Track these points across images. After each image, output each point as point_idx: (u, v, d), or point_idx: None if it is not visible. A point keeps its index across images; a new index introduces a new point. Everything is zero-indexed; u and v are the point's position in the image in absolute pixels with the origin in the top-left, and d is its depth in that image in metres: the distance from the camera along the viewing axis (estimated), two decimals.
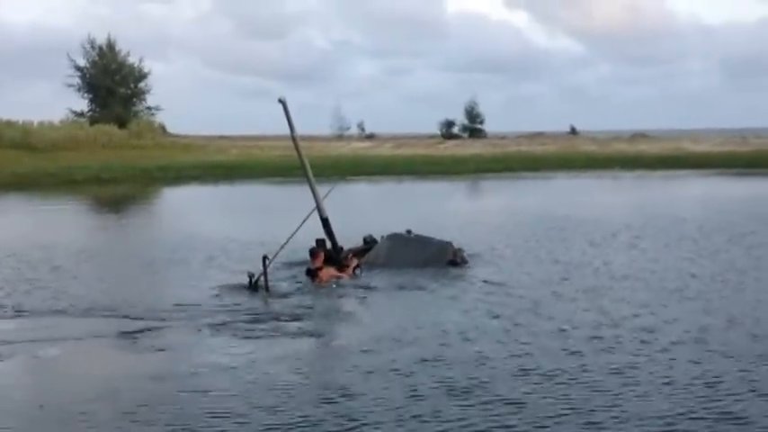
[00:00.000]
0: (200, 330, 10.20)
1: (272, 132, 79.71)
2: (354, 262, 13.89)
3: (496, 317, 10.59)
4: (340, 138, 77.04)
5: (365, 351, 9.16)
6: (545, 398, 7.44)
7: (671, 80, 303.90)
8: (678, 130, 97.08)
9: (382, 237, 15.29)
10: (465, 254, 14.93)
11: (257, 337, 9.87)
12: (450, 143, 66.71)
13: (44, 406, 7.63)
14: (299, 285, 12.98)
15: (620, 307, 11.09)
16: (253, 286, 12.50)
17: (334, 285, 12.93)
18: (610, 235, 18.43)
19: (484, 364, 8.46)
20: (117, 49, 68.26)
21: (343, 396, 7.60)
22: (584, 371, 8.21)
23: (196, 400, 7.61)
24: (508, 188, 37.79)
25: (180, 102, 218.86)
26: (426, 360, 8.67)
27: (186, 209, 30.15)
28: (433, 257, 14.48)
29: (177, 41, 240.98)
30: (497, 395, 7.52)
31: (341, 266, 13.66)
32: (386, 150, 59.26)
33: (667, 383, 7.78)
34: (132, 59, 68.82)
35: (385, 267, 14.18)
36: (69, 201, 32.55)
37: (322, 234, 14.28)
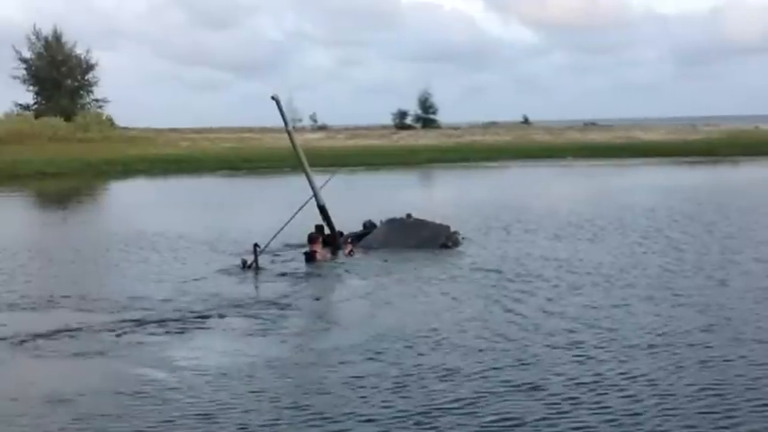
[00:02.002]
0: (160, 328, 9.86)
1: (222, 125, 79.01)
2: (349, 246, 14.81)
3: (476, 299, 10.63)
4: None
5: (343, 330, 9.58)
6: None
7: (624, 69, 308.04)
8: (630, 119, 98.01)
9: (381, 221, 16.06)
10: (460, 237, 15.72)
11: (233, 329, 9.74)
12: (404, 134, 66.42)
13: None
14: (293, 268, 13.66)
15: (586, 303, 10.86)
16: (246, 268, 13.38)
17: (328, 266, 13.84)
18: (571, 226, 18.19)
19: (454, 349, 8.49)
20: (63, 40, 66.95)
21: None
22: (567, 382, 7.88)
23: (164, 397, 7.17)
24: (463, 178, 37.64)
25: (129, 94, 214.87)
26: (391, 337, 8.99)
27: (132, 203, 29.36)
28: (426, 241, 15.23)
29: (126, 32, 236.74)
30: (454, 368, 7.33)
31: (338, 250, 14.71)
32: (338, 142, 58.75)
33: (628, 377, 7.52)
34: (79, 51, 67.55)
35: (379, 250, 14.94)
36: (11, 196, 31.59)
37: (320, 221, 15.17)
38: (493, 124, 77.52)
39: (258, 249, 13.52)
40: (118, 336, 9.50)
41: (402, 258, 14.28)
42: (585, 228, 17.71)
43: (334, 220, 15.39)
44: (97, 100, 68.82)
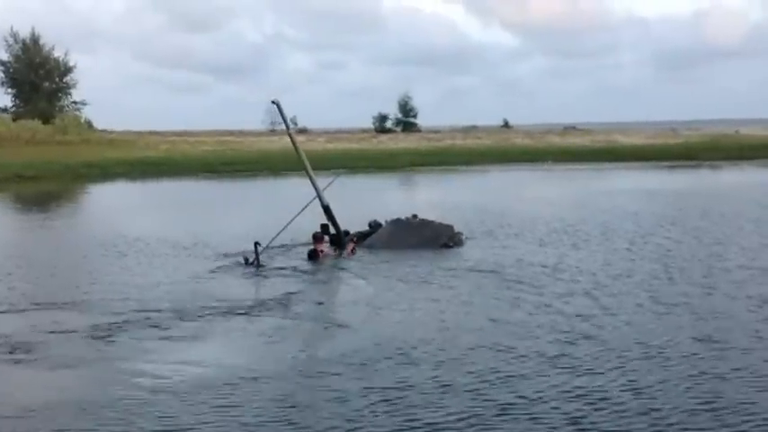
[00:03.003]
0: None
1: (202, 128, 78.62)
2: (352, 245, 15.33)
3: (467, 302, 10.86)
4: (272, 132, 76.08)
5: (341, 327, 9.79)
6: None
7: (604, 73, 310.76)
8: (610, 123, 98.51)
9: (386, 221, 16.61)
10: (463, 237, 16.34)
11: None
12: (384, 137, 66.34)
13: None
14: (293, 266, 13.98)
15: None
16: (248, 265, 13.85)
17: (327, 264, 14.31)
18: (555, 231, 18.11)
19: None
20: (42, 42, 66.54)
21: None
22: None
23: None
24: (443, 182, 37.52)
25: (108, 96, 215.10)
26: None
27: (111, 207, 29.00)
28: (428, 241, 15.78)
29: (106, 34, 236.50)
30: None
31: (341, 248, 15.25)
32: (318, 145, 58.55)
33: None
34: (58, 53, 67.30)
35: (381, 249, 15.47)
36: None
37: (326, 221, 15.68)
38: (473, 128, 77.64)
39: (259, 247, 14.00)
40: (94, 341, 9.32)
41: (401, 258, 14.65)
42: (570, 233, 17.63)
43: (306, 221, 15.51)
44: (76, 102, 68.65)
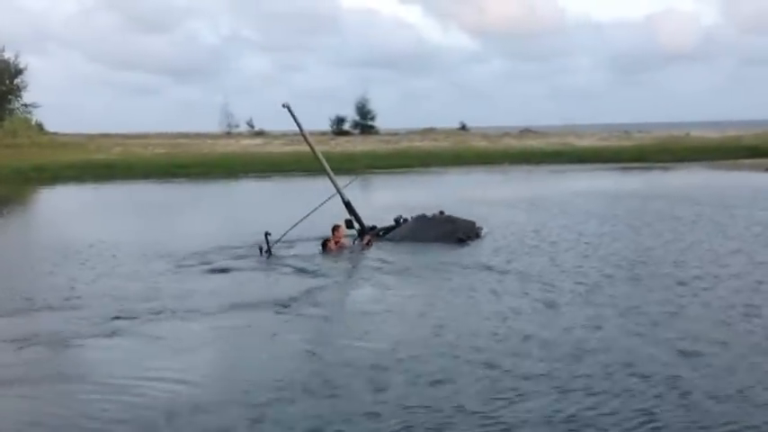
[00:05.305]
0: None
1: (157, 130, 77.72)
2: (367, 238, 16.34)
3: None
4: (228, 135, 75.44)
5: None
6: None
7: (560, 76, 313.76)
8: (565, 126, 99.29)
9: (411, 217, 17.51)
10: (482, 232, 17.28)
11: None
12: (342, 140, 66.12)
13: None
14: (303, 257, 14.88)
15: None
16: (263, 254, 14.82)
17: (334, 256, 15.28)
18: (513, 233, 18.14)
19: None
20: None
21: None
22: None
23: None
24: (401, 184, 37.49)
25: (60, 99, 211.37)
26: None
27: (62, 211, 28.49)
28: (445, 235, 16.53)
29: (58, 35, 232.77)
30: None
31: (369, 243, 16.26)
32: (276, 147, 58.19)
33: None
34: (8, 55, 65.93)
35: (399, 243, 16.46)
36: None
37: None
38: (431, 130, 77.68)
39: (269, 237, 14.95)
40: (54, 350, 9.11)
41: (413, 251, 15.61)
42: (538, 236, 17.53)
43: (258, 225, 15.80)
44: (26, 105, 67.28)
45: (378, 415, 6.82)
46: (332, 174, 17.03)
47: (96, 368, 8.47)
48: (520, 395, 7.22)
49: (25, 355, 8.98)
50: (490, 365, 8.08)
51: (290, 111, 16.48)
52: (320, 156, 17.17)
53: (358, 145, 60.33)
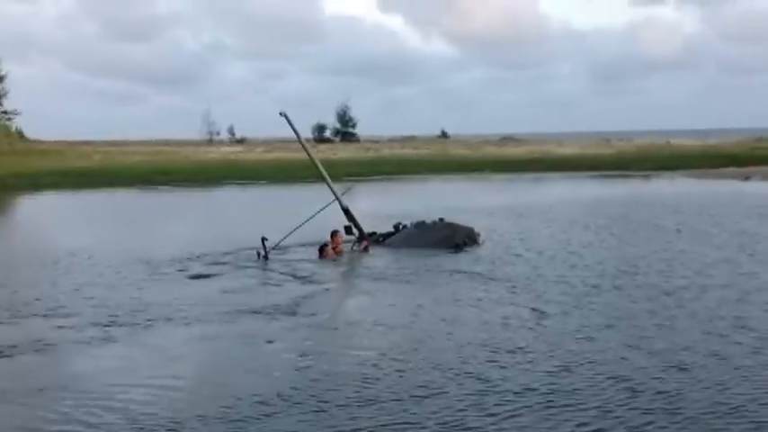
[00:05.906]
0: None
1: (138, 137, 77.30)
2: (365, 243, 16.60)
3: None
4: (210, 142, 75.18)
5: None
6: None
7: (541, 84, 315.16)
8: (546, 134, 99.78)
9: (410, 223, 17.61)
10: (480, 238, 17.21)
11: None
12: (323, 147, 65.97)
13: None
14: (298, 262, 15.09)
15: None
16: (261, 258, 15.14)
17: (330, 261, 15.53)
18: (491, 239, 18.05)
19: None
20: None
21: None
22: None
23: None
24: (382, 192, 37.41)
25: (40, 106, 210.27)
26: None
27: (41, 219, 28.14)
28: (442, 241, 16.64)
29: (39, 43, 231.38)
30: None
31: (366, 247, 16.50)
32: (257, 155, 57.96)
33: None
34: None
35: (397, 249, 16.58)
36: None
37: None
38: (412, 138, 77.79)
39: (266, 242, 15.22)
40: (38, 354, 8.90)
41: (408, 257, 15.61)
42: (523, 245, 17.46)
43: (243, 232, 16.45)
44: (6, 112, 66.80)
45: (362, 430, 6.71)
46: (330, 181, 17.15)
47: (81, 378, 8.31)
48: (508, 410, 7.12)
49: (6, 366, 8.81)
50: (478, 378, 8.00)
51: (287, 119, 16.61)
52: (318, 163, 17.29)
53: (339, 152, 60.22)
